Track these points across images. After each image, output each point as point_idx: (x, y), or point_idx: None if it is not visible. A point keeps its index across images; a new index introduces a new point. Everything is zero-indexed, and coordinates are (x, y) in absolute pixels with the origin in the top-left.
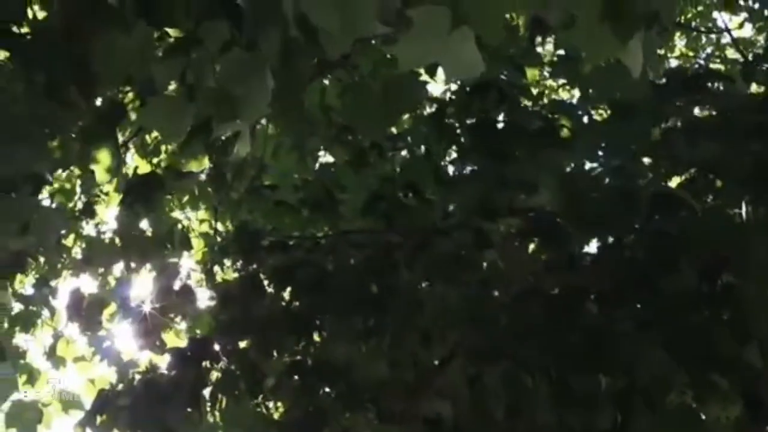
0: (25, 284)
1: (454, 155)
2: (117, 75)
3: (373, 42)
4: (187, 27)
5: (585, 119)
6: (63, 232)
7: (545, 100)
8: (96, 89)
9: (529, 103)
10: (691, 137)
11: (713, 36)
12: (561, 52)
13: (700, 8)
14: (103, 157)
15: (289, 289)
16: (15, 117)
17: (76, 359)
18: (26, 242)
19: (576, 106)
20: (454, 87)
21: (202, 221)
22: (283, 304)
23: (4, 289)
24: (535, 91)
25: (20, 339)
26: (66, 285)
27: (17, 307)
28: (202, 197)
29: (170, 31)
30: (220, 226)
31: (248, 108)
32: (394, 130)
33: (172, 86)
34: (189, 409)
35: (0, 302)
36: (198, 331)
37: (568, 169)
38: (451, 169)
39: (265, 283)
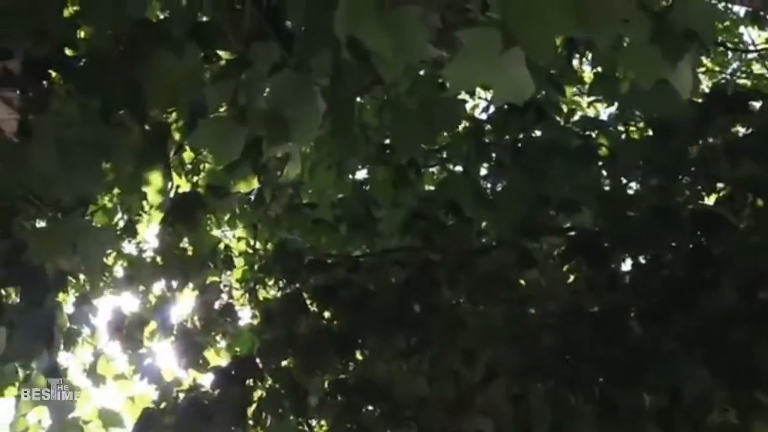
0: (66, 302)
1: (492, 173)
2: (168, 97)
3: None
4: (237, 49)
5: (622, 137)
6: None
7: (576, 117)
8: (148, 112)
9: (561, 121)
10: (730, 156)
11: (739, 52)
12: (598, 69)
13: (726, 23)
14: (155, 178)
15: (331, 307)
16: (70, 141)
17: (117, 377)
18: (74, 262)
19: (609, 123)
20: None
21: (239, 239)
22: (325, 322)
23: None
24: (565, 108)
25: (61, 357)
26: (107, 303)
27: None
28: (241, 216)
29: (220, 53)
30: (258, 245)
31: (300, 129)
32: (430, 147)
33: (223, 108)
34: (233, 428)
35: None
36: (238, 350)
37: (606, 188)
38: (488, 187)
39: (308, 302)
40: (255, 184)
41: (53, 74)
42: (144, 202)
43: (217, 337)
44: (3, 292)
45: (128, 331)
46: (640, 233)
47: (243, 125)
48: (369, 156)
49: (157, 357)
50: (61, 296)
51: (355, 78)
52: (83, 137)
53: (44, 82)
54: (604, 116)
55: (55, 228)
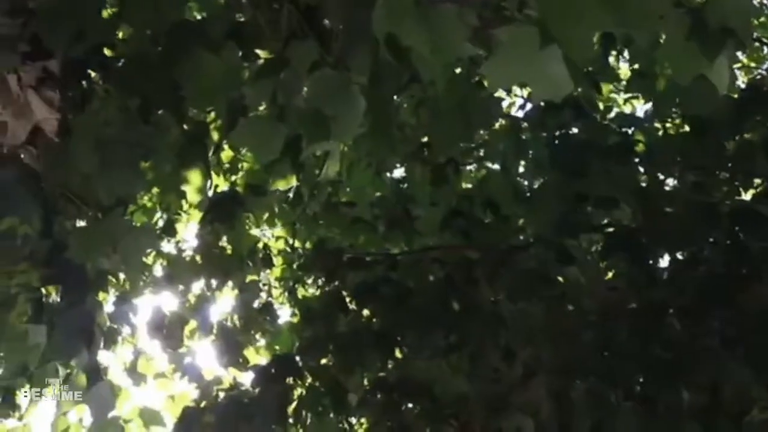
0: (106, 301)
1: (530, 170)
2: (207, 97)
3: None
4: (276, 48)
5: (660, 133)
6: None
7: (613, 114)
8: (187, 111)
9: (598, 117)
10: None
11: None
12: (635, 66)
13: (762, 19)
14: (194, 177)
15: (370, 305)
16: (109, 140)
17: (157, 376)
18: (113, 261)
19: (645, 120)
20: (524, 101)
21: (278, 238)
22: (364, 320)
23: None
24: (602, 105)
25: (101, 356)
26: (147, 302)
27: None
28: (279, 214)
29: (259, 52)
30: (297, 244)
31: (340, 127)
32: (468, 145)
33: (262, 107)
34: (273, 426)
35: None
36: (277, 348)
37: (643, 184)
38: (526, 185)
39: (347, 300)
40: (293, 182)
41: (93, 74)
42: (183, 202)
43: (257, 336)
44: (44, 291)
45: (168, 330)
46: (678, 229)
47: (282, 124)
48: (407, 154)
49: (197, 356)
50: (101, 295)
51: (393, 78)
52: (122, 137)
53: (84, 82)
54: (640, 113)
55: (96, 227)
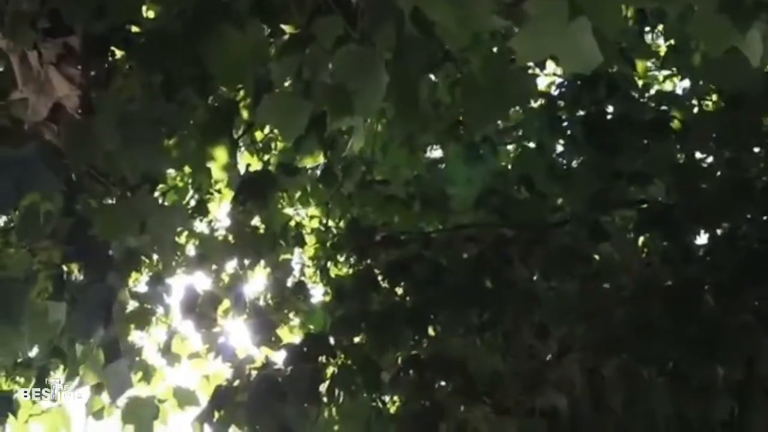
0: (140, 282)
1: (566, 148)
2: (232, 73)
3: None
4: (301, 23)
5: (695, 110)
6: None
7: (652, 91)
8: (211, 88)
9: (636, 95)
10: None
11: None
12: (671, 42)
13: None
14: (220, 154)
15: (403, 284)
16: (132, 117)
17: (191, 356)
18: (143, 240)
19: (684, 97)
20: (561, 79)
21: (312, 217)
22: (398, 299)
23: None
24: (640, 83)
25: (135, 336)
26: (180, 282)
27: (132, 304)
28: (313, 193)
29: (284, 27)
30: (330, 223)
31: (363, 102)
32: (504, 124)
33: (288, 83)
34: (306, 404)
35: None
36: (311, 327)
37: (680, 161)
38: (563, 162)
39: (380, 278)
40: (321, 159)
41: (116, 51)
42: (214, 181)
43: (290, 315)
44: (65, 268)
45: (201, 310)
46: (714, 205)
47: (308, 100)
48: (441, 133)
49: (231, 335)
50: (134, 275)
51: (420, 52)
52: (146, 113)
53: (106, 59)
54: (679, 90)
55: (122, 205)
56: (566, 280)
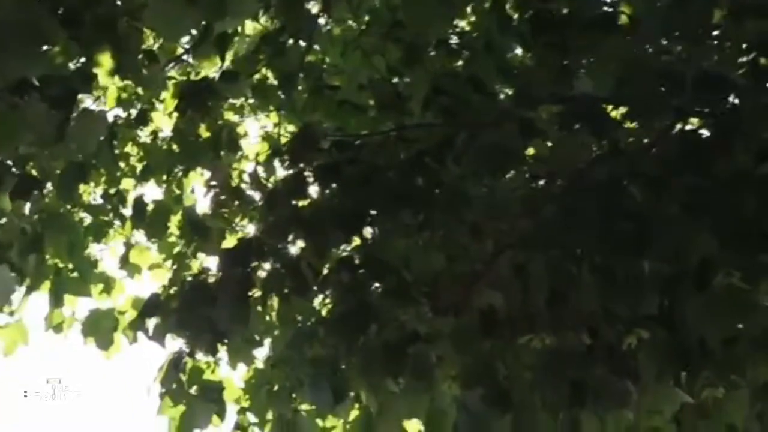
0: (92, 195)
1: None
2: None
3: None
4: None
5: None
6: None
7: None
8: None
9: None
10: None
11: None
12: None
13: None
14: (105, 60)
15: (334, 186)
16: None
17: (151, 266)
18: (67, 149)
19: None
20: None
21: (276, 125)
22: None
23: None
24: None
25: (94, 249)
26: (132, 194)
27: (88, 218)
28: (267, 101)
29: None
30: (282, 130)
31: (237, 5)
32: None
33: None
34: (236, 308)
35: None
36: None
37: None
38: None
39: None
40: (218, 62)
41: None
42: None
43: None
44: None
45: (151, 220)
46: (646, 98)
47: (192, 5)
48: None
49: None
50: (82, 188)
51: None
52: (14, 18)
53: None
54: None
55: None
56: (498, 177)
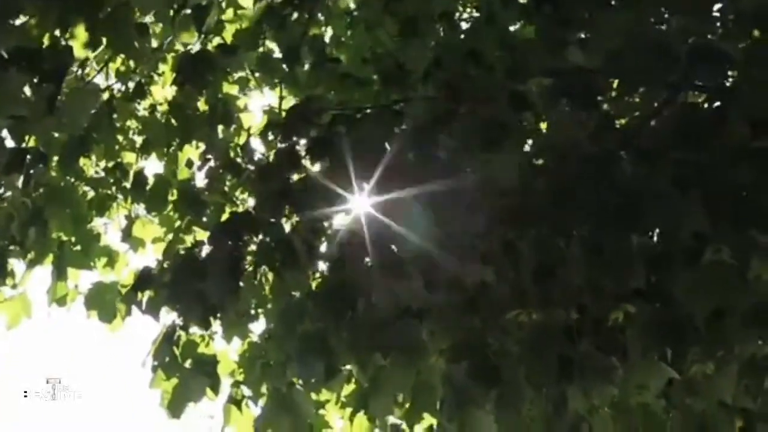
0: (93, 168)
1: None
2: None
3: None
4: None
5: None
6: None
7: None
8: None
9: None
10: None
11: None
12: None
13: None
14: (80, 32)
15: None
16: None
17: (155, 240)
18: (56, 123)
19: None
20: None
21: (282, 98)
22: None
23: None
24: None
25: (98, 222)
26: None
27: (91, 192)
28: (266, 73)
29: None
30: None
31: None
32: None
33: None
34: (226, 281)
35: None
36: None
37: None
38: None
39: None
40: (195, 35)
41: None
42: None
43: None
44: None
45: (151, 194)
46: (638, 71)
47: None
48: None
49: None
50: (85, 161)
51: None
52: None
53: None
54: None
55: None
56: (491, 151)
